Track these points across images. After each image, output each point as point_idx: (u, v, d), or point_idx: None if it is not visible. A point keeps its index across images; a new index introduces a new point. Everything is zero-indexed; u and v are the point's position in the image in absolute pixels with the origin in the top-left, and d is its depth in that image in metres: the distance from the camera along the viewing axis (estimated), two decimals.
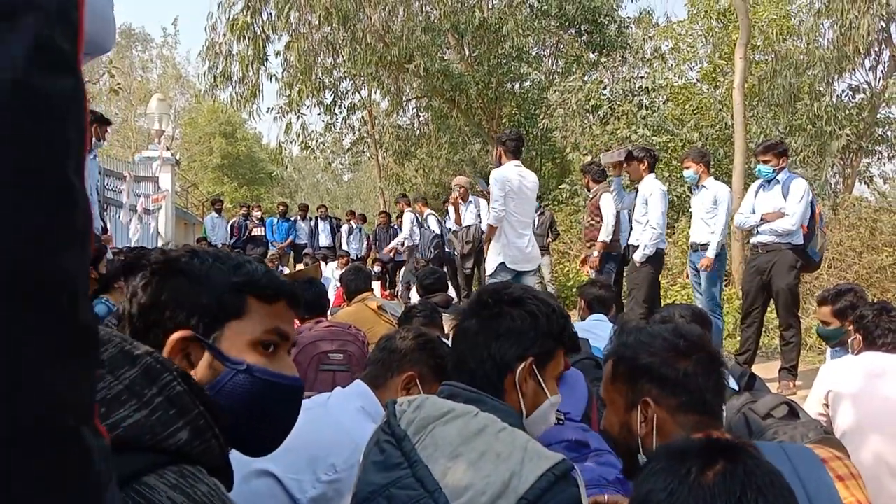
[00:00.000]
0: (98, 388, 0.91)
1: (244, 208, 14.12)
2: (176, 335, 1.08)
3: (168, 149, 15.17)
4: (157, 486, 0.86)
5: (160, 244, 11.95)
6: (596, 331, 3.79)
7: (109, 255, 4.76)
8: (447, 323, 3.98)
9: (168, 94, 32.08)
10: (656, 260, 6.30)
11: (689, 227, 6.69)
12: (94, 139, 5.86)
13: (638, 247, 6.28)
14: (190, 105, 36.04)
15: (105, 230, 7.15)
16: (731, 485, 0.91)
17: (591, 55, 16.66)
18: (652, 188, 6.32)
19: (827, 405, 2.94)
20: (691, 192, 6.55)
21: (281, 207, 14.31)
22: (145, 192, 12.80)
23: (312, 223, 13.84)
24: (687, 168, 6.29)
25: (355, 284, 4.81)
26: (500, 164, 5.64)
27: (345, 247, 13.04)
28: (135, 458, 0.87)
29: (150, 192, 12.87)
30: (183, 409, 0.94)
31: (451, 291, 7.81)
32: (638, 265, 6.25)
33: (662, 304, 6.69)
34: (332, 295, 8.73)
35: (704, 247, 6.09)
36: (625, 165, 6.60)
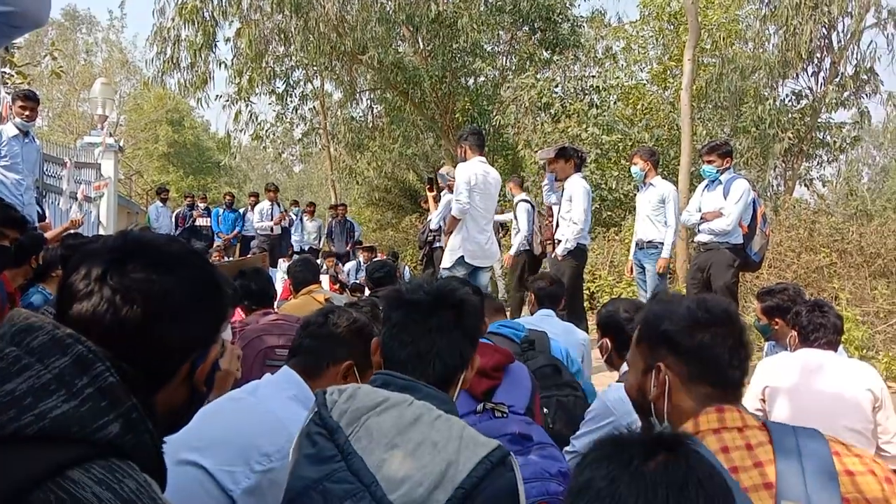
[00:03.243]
0: (26, 377, 0.87)
1: (188, 198, 13.82)
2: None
3: (111, 135, 14.71)
4: (82, 480, 0.82)
5: (101, 233, 11.60)
6: (543, 326, 3.80)
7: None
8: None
9: (113, 79, 31.14)
10: (578, 254, 6.42)
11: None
12: (20, 119, 5.66)
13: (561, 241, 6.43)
14: (136, 91, 35.07)
15: (43, 217, 6.92)
16: (673, 475, 0.91)
17: (544, 53, 16.76)
18: (576, 186, 6.41)
19: (764, 400, 3.02)
20: (637, 190, 6.65)
21: (227, 198, 14.01)
22: (86, 179, 12.39)
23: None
24: (634, 164, 6.39)
25: (303, 276, 4.73)
26: (465, 159, 5.67)
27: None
28: (59, 451, 0.84)
29: (92, 180, 12.45)
30: (115, 401, 0.90)
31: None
32: (559, 259, 6.40)
33: (606, 299, 6.85)
34: (279, 287, 8.61)
35: (650, 244, 6.21)
36: (555, 162, 6.67)
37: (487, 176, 5.64)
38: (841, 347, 3.30)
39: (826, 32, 14.21)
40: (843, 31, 14.47)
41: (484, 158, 5.71)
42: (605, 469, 0.94)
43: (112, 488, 0.84)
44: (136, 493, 0.86)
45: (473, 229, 5.57)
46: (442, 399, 1.36)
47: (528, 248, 7.87)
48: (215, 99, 17.24)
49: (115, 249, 1.04)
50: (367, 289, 6.65)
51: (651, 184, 6.28)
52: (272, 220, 12.45)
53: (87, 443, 0.86)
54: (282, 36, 15.73)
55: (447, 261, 5.67)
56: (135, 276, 1.01)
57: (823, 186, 17.00)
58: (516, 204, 8.09)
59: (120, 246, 1.05)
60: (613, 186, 13.70)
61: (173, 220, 13.06)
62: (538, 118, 14.57)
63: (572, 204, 6.33)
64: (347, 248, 13.00)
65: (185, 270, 1.07)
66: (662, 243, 6.18)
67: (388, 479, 1.13)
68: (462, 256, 5.56)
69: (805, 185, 16.41)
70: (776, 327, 3.81)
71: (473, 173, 5.52)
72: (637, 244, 6.39)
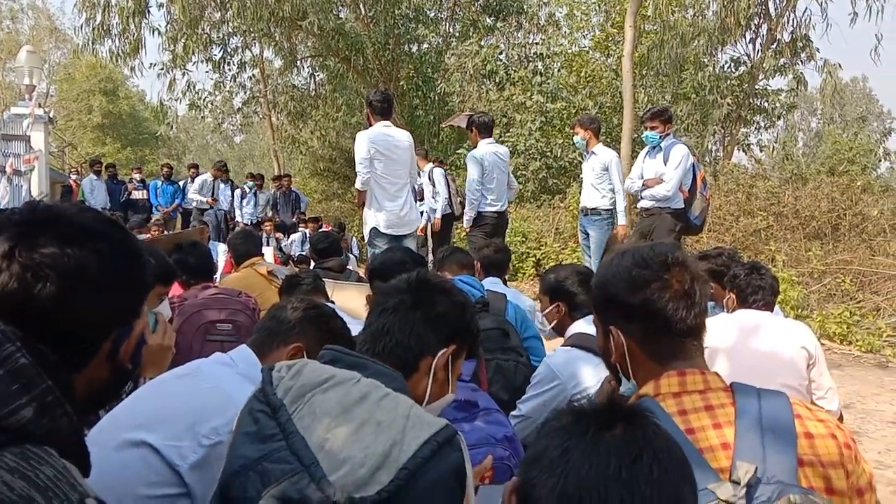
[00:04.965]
0: None
1: (109, 168, 13.10)
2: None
3: (41, 106, 14.09)
4: None
5: None
6: None
7: None
8: (359, 291, 3.91)
9: (41, 47, 29.77)
10: (483, 222, 6.42)
11: (580, 193, 6.86)
12: None
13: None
14: (66, 60, 33.65)
15: None
16: (628, 446, 0.90)
17: (488, 19, 16.66)
18: (469, 156, 6.45)
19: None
20: (582, 158, 6.70)
21: (165, 169, 13.49)
22: (15, 151, 11.90)
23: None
24: (576, 134, 6.46)
25: (245, 248, 4.60)
26: (370, 124, 5.45)
27: (237, 212, 12.53)
28: None
29: (21, 153, 11.97)
30: (27, 383, 0.85)
31: None
32: (467, 230, 6.52)
33: (549, 264, 6.93)
34: (223, 261, 8.43)
35: (594, 210, 6.29)
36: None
37: (391, 140, 5.38)
38: (777, 307, 3.40)
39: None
40: None
41: (389, 123, 5.47)
42: (560, 438, 0.94)
43: (26, 476, 0.79)
44: (54, 481, 0.81)
45: (383, 198, 5.38)
46: (392, 377, 1.33)
47: (449, 210, 7.93)
48: (149, 67, 16.57)
49: (23, 223, 0.97)
50: (312, 261, 6.56)
51: (593, 152, 6.34)
52: (210, 196, 12.09)
53: None
54: (217, 1, 15.23)
55: (365, 234, 5.57)
56: (46, 251, 0.94)
57: (761, 151, 17.42)
58: (431, 171, 8.09)
59: (28, 219, 0.98)
60: (558, 154, 13.79)
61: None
62: (483, 86, 14.52)
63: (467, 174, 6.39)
64: (293, 220, 12.79)
65: (101, 242, 1.00)
66: (607, 210, 6.26)
67: (329, 460, 1.09)
68: (375, 227, 5.41)
69: (743, 150, 16.80)
70: (712, 291, 3.89)
71: (371, 143, 5.28)
72: (582, 211, 6.47)
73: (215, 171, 12.24)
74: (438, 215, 7.94)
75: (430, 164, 8.32)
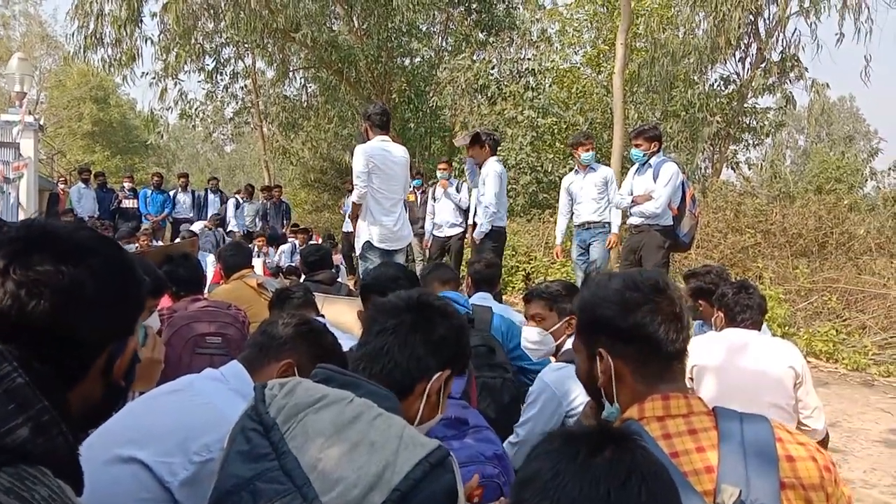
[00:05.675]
0: None
1: (99, 177, 13.01)
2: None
3: (31, 113, 14.03)
4: None
5: (22, 216, 11.08)
6: None
7: None
8: (349, 305, 3.90)
9: (32, 53, 29.67)
10: (495, 236, 6.52)
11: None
12: None
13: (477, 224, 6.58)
14: (57, 67, 33.54)
15: None
16: (617, 470, 0.92)
17: (480, 34, 16.75)
18: (489, 170, 6.51)
19: (692, 378, 3.11)
20: (575, 174, 6.74)
21: (155, 178, 13.45)
22: (4, 159, 11.85)
23: (202, 196, 13.20)
24: (589, 150, 6.63)
25: (234, 260, 4.59)
26: (367, 138, 5.46)
27: (231, 223, 12.50)
28: None
29: (10, 160, 11.91)
30: (23, 403, 0.85)
31: None
32: (477, 242, 6.57)
33: (539, 278, 6.94)
34: (211, 272, 8.40)
35: (597, 224, 6.48)
36: (471, 148, 6.77)
37: (388, 156, 5.39)
38: (764, 325, 3.42)
39: (753, 19, 14.62)
40: (769, 19, 14.94)
41: (387, 137, 5.47)
42: (551, 461, 0.95)
43: (21, 497, 0.79)
44: (49, 501, 0.81)
45: (378, 212, 5.39)
46: (384, 396, 1.33)
47: (463, 228, 7.93)
48: (141, 76, 16.51)
49: (17, 240, 0.97)
50: (302, 273, 6.55)
51: (591, 167, 6.59)
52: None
53: None
54: (211, 11, 15.25)
55: (357, 247, 5.57)
56: (41, 269, 0.95)
57: (749, 169, 17.56)
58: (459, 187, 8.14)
59: (23, 236, 0.98)
60: (549, 169, 13.85)
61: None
62: (475, 100, 14.59)
63: (484, 188, 6.46)
64: (283, 231, 12.77)
65: (96, 259, 1.01)
66: (609, 223, 6.48)
67: (322, 480, 1.10)
68: (368, 241, 5.40)
69: (732, 167, 16.94)
70: (700, 308, 3.92)
71: (369, 157, 5.29)
72: (583, 225, 6.56)
73: (210, 223, 12.21)
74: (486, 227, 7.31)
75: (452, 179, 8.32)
